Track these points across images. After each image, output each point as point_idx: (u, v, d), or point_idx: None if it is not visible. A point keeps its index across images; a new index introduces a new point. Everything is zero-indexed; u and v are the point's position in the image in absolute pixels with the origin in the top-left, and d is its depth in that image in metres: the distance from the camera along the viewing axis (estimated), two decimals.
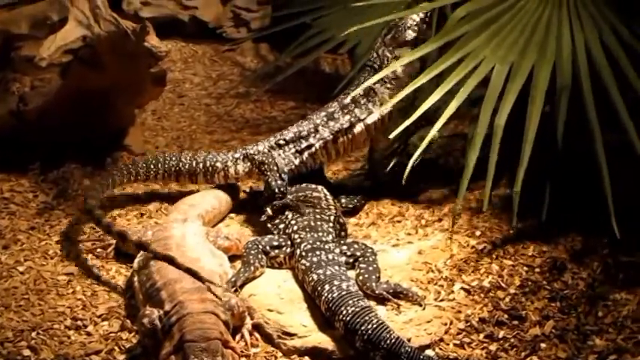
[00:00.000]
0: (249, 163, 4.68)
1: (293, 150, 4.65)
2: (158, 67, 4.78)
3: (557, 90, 4.16)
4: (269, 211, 4.37)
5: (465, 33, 4.41)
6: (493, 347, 3.63)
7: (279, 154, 4.63)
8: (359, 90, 4.61)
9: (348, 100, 4.70)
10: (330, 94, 5.75)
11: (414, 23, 4.73)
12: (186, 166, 4.74)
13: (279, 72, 6.13)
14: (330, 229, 4.11)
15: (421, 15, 4.72)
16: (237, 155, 4.72)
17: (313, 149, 4.66)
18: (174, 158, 4.77)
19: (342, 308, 3.51)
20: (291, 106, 6.35)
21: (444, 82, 4.24)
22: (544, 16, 4.43)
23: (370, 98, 4.71)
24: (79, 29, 4.54)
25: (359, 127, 4.70)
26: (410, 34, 4.72)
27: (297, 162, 4.64)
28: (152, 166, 4.73)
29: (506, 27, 4.43)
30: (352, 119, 4.69)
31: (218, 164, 4.72)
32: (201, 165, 4.73)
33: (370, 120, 4.70)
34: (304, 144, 4.66)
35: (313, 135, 4.67)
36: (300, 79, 6.70)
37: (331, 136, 4.67)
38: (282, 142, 4.66)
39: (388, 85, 4.70)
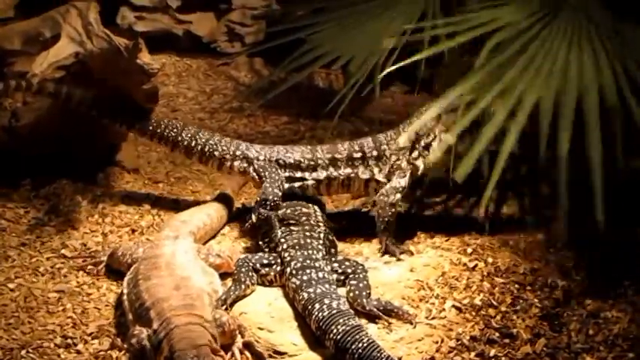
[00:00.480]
0: (246, 165, 4.66)
1: (287, 175, 4.60)
2: (150, 83, 4.76)
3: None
4: (253, 218, 4.36)
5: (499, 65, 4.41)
6: None
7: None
8: (374, 152, 4.55)
9: (358, 154, 4.59)
10: (323, 110, 5.79)
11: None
12: (185, 143, 4.74)
13: (273, 87, 6.12)
14: (320, 247, 4.10)
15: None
16: (237, 153, 4.69)
17: (305, 184, 4.61)
18: (174, 129, 4.77)
19: (333, 327, 3.51)
20: (284, 121, 6.35)
21: (487, 125, 4.20)
22: (574, 42, 4.45)
23: (380, 164, 4.56)
24: (71, 46, 4.53)
25: (357, 183, 4.61)
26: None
27: (285, 187, 4.57)
28: (153, 127, 4.76)
29: (539, 55, 4.42)
30: (352, 174, 4.59)
31: (216, 153, 4.70)
32: (199, 147, 4.72)
33: (372, 184, 4.59)
34: (298, 175, 4.61)
35: (309, 172, 4.61)
36: (294, 94, 6.69)
37: (326, 180, 4.61)
38: (281, 162, 4.62)
39: (402, 165, 4.51)
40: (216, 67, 7.33)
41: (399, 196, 4.44)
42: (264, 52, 7.02)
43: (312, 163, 4.60)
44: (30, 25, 4.87)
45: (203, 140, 4.74)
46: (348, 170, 4.58)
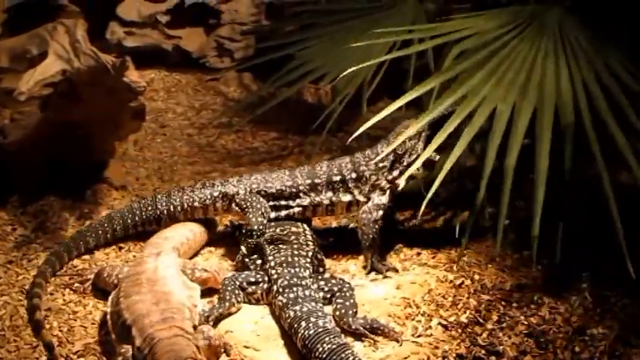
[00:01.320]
0: (227, 202, 4.66)
1: (272, 203, 4.59)
2: (138, 101, 4.78)
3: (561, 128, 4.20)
4: (243, 249, 4.38)
5: (462, 71, 4.44)
6: None
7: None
8: (352, 174, 4.54)
9: (337, 177, 4.57)
10: (311, 125, 5.81)
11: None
12: (165, 212, 4.74)
13: (262, 102, 6.14)
14: (308, 265, 4.10)
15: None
16: (215, 194, 4.68)
17: (291, 212, 4.60)
18: (150, 207, 4.74)
19: (319, 345, 3.51)
20: (273, 137, 6.35)
21: (446, 124, 4.23)
22: (539, 55, 4.48)
23: (360, 185, 4.54)
24: (58, 63, 4.53)
25: (339, 207, 4.59)
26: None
27: (272, 215, 4.57)
28: (129, 220, 4.73)
29: (503, 65, 4.46)
30: (334, 198, 4.57)
31: (196, 204, 4.71)
32: (179, 208, 4.72)
33: (353, 205, 4.58)
34: (283, 203, 4.60)
35: (293, 199, 4.59)
36: (283, 109, 6.70)
37: (311, 207, 4.60)
38: (263, 193, 4.61)
39: (381, 184, 4.50)
40: (206, 82, 7.34)
41: (381, 212, 4.44)
42: (253, 68, 7.04)
43: (294, 190, 4.58)
44: (17, 42, 4.86)
45: (178, 202, 4.72)
46: (329, 194, 4.57)
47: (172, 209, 4.72)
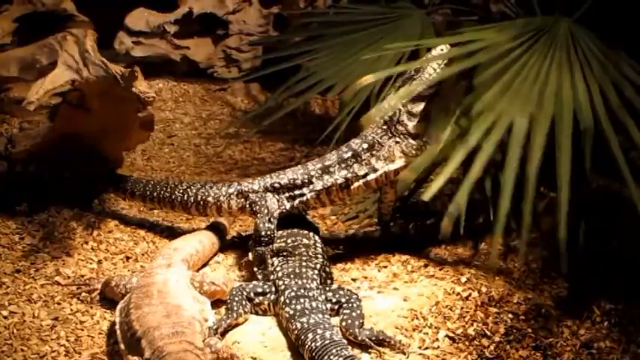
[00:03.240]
0: (242, 199, 4.67)
1: (287, 194, 4.60)
2: (146, 111, 4.79)
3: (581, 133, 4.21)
4: (250, 256, 4.39)
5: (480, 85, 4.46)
6: None
7: (273, 197, 4.61)
8: (364, 145, 4.56)
9: (348, 154, 4.57)
10: (319, 136, 5.82)
11: (431, 75, 4.48)
12: (179, 199, 4.79)
13: (270, 113, 6.15)
14: (315, 276, 4.10)
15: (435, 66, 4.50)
16: (231, 191, 4.70)
17: (305, 198, 4.60)
18: (168, 188, 4.85)
19: (326, 357, 3.50)
20: (280, 148, 6.37)
21: (466, 138, 4.25)
22: (553, 65, 4.49)
23: (375, 152, 4.56)
24: (68, 73, 4.53)
25: (356, 184, 4.56)
26: (426, 89, 4.48)
27: (288, 206, 4.59)
28: (148, 191, 4.90)
29: (518, 78, 4.47)
30: (349, 175, 4.55)
31: (210, 199, 4.72)
32: (192, 199, 4.75)
33: (372, 177, 4.55)
34: (297, 192, 4.60)
35: (307, 186, 4.58)
36: (290, 120, 6.74)
37: (324, 189, 4.58)
38: (277, 185, 4.62)
39: (397, 139, 4.53)
40: (213, 92, 7.37)
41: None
42: (260, 78, 7.06)
43: (305, 177, 4.58)
44: (27, 52, 4.88)
45: (194, 192, 4.78)
46: (344, 172, 4.56)
47: (186, 198, 4.79)
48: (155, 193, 4.89)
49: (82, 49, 4.62)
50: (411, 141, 4.50)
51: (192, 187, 4.80)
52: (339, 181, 4.56)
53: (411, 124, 4.49)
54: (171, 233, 4.90)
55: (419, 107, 4.47)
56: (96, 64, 4.53)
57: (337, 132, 5.51)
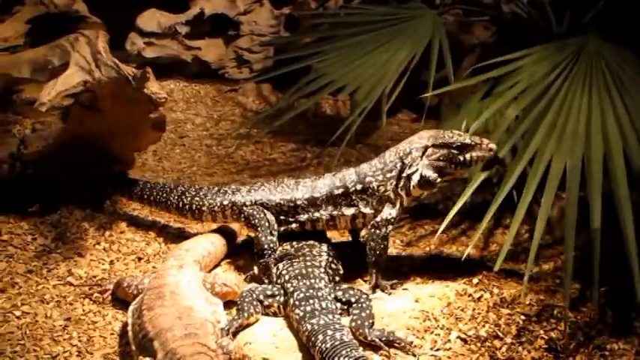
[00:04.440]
0: (237, 212, 4.64)
1: (282, 218, 4.50)
2: (158, 112, 4.79)
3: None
4: (256, 270, 4.39)
5: (525, 132, 4.45)
6: None
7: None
8: (358, 185, 4.36)
9: (339, 190, 4.38)
10: (330, 137, 5.82)
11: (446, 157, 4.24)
12: (174, 205, 4.82)
13: (281, 114, 6.16)
14: (322, 275, 4.10)
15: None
16: (225, 203, 4.66)
17: (289, 228, 4.50)
18: (164, 193, 4.88)
19: (336, 358, 3.50)
20: (291, 148, 6.36)
21: (525, 191, 4.22)
22: (594, 94, 4.48)
23: (365, 197, 4.34)
24: (80, 74, 4.54)
25: (342, 221, 4.43)
26: (433, 174, 4.24)
27: (281, 229, 4.50)
28: (146, 191, 4.97)
29: (562, 114, 4.46)
30: (335, 212, 4.41)
31: (204, 208, 4.73)
32: (187, 206, 4.77)
33: (358, 219, 4.41)
34: (282, 218, 4.50)
35: (292, 215, 4.48)
36: (301, 121, 6.73)
37: (309, 222, 4.47)
38: (265, 205, 4.52)
39: (392, 194, 4.31)
40: (225, 93, 7.37)
41: (390, 227, 4.29)
42: (272, 79, 7.07)
43: (306, 203, 4.44)
44: (39, 54, 4.88)
45: (189, 199, 4.79)
46: (331, 209, 4.42)
47: (181, 205, 4.82)
48: (151, 197, 4.95)
49: (94, 50, 4.63)
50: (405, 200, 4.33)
51: (186, 196, 4.81)
52: (324, 217, 4.44)
53: (416, 186, 4.26)
54: (183, 234, 4.90)
55: (433, 176, 4.24)
56: (108, 65, 4.54)
57: (348, 132, 5.51)
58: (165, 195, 4.89)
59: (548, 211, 4.13)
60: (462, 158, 4.21)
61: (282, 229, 4.50)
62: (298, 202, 4.45)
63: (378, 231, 4.27)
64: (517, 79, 4.68)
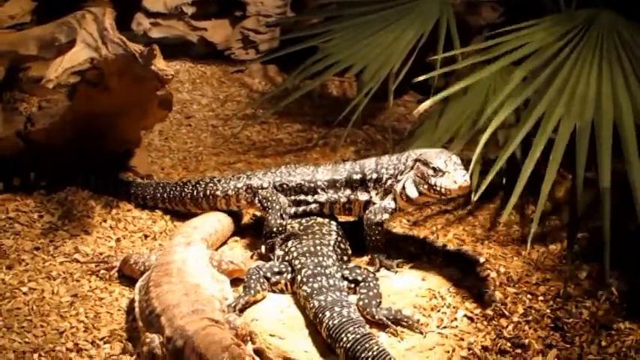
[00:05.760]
0: (251, 195, 4.65)
1: (292, 198, 4.54)
2: (165, 90, 4.78)
3: None
4: (263, 249, 4.39)
5: (534, 93, 4.43)
6: None
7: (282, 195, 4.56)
8: (373, 175, 4.37)
9: (358, 176, 4.42)
10: (336, 118, 5.80)
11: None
12: (189, 196, 4.80)
13: (287, 95, 6.14)
14: (330, 253, 4.10)
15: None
16: (239, 185, 4.68)
17: (308, 208, 4.53)
18: (177, 188, 4.86)
19: (343, 335, 3.50)
20: (297, 129, 6.35)
21: (531, 151, 4.22)
22: (604, 62, 4.46)
23: (376, 187, 4.36)
24: (86, 51, 4.52)
25: (357, 205, 4.44)
26: (413, 191, 4.17)
27: (291, 212, 4.52)
28: (158, 193, 4.92)
29: (571, 80, 4.44)
30: (352, 197, 4.44)
31: (218, 193, 4.72)
32: (202, 194, 4.76)
33: (366, 200, 4.41)
34: (302, 198, 4.53)
35: (311, 194, 4.51)
36: (307, 101, 6.71)
37: (327, 204, 4.50)
38: (285, 186, 4.56)
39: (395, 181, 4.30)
40: (231, 74, 7.34)
41: (386, 216, 4.27)
42: (278, 60, 7.04)
43: (312, 185, 4.49)
44: (46, 31, 4.86)
45: (202, 187, 4.78)
46: (347, 192, 4.45)
47: (195, 194, 4.80)
48: (165, 195, 4.92)
49: (101, 27, 4.62)
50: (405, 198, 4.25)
51: (199, 185, 4.80)
52: (342, 200, 4.46)
53: (414, 193, 4.17)
54: (189, 213, 4.90)
55: (411, 190, 4.16)
56: (114, 42, 4.52)
57: (355, 113, 5.50)
58: (179, 189, 4.87)
59: (555, 170, 4.12)
60: (433, 182, 4.05)
61: (300, 209, 4.52)
62: (319, 183, 4.48)
63: (373, 217, 4.28)
64: (526, 41, 4.65)
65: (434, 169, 4.03)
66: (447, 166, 4.01)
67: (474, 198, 4.16)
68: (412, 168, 4.19)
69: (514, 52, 4.63)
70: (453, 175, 3.98)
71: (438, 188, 4.02)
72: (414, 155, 4.21)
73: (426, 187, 4.08)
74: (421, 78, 4.75)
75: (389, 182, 4.31)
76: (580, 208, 4.22)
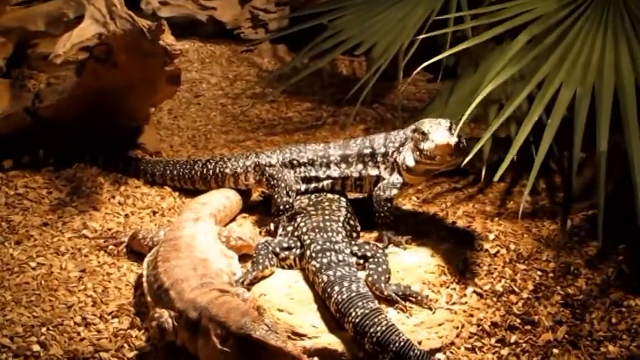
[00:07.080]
0: (260, 173, 4.64)
1: (302, 175, 4.53)
2: (173, 65, 4.76)
3: None
4: (272, 226, 4.38)
5: (535, 57, 4.38)
6: (505, 352, 3.61)
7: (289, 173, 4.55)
8: (382, 149, 4.38)
9: (368, 150, 4.43)
10: (345, 96, 5.77)
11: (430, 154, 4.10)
12: (198, 174, 4.80)
13: (296, 73, 6.11)
14: (340, 229, 4.07)
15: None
16: (248, 163, 4.67)
17: (320, 185, 4.52)
18: (187, 166, 4.85)
19: (352, 310, 3.49)
20: (306, 107, 6.33)
21: (530, 114, 4.17)
22: (608, 31, 4.41)
23: (386, 161, 4.37)
24: (94, 27, 4.51)
25: (367, 182, 4.44)
26: (410, 160, 4.19)
27: (301, 188, 4.52)
28: (168, 170, 4.91)
29: (575, 47, 4.39)
30: (363, 172, 4.44)
31: (227, 170, 4.71)
32: (211, 172, 4.75)
33: (376, 175, 4.42)
34: (312, 174, 4.52)
35: (323, 170, 4.51)
36: (317, 80, 6.69)
37: (340, 179, 4.50)
38: (295, 162, 4.56)
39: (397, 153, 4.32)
40: (240, 53, 7.33)
41: (395, 191, 4.26)
42: (287, 39, 7.03)
43: (324, 160, 4.50)
44: (54, 7, 4.86)
45: (212, 166, 4.78)
46: (359, 167, 4.45)
47: (205, 172, 4.79)
48: (175, 172, 4.91)
49: (109, 2, 4.60)
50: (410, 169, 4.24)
51: (209, 163, 4.79)
52: (353, 175, 4.46)
53: (411, 161, 4.20)
54: (197, 190, 4.88)
55: (409, 159, 4.20)
56: (122, 18, 4.51)
57: (364, 91, 5.46)
58: (188, 167, 4.86)
59: (553, 132, 4.08)
60: (421, 146, 4.07)
61: (312, 186, 4.52)
62: (332, 158, 4.49)
63: (382, 193, 4.28)
64: (531, 7, 4.61)
65: (422, 133, 4.09)
66: (431, 129, 4.06)
67: (496, 178, 4.12)
68: (412, 139, 4.21)
69: (517, 18, 4.57)
70: (434, 135, 4.02)
71: (425, 152, 4.07)
72: (414, 126, 4.24)
73: (418, 153, 4.13)
74: (426, 63, 4.68)
75: (395, 155, 4.32)
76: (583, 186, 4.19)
